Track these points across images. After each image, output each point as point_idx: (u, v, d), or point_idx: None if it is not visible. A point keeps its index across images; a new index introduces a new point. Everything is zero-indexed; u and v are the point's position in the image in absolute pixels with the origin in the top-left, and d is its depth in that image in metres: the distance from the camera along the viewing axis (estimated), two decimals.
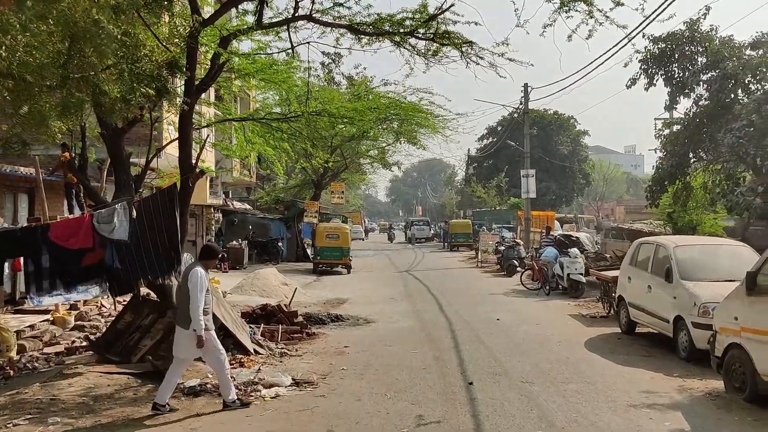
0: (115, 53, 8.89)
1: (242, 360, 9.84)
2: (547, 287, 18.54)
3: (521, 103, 32.01)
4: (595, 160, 60.41)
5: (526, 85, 31.52)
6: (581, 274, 17.76)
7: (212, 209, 25.71)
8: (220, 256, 24.87)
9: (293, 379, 8.78)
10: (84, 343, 10.66)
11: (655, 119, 46.40)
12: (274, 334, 11.47)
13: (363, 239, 60.78)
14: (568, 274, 17.76)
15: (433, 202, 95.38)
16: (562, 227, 33.48)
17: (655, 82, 24.05)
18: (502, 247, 26.16)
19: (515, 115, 50.90)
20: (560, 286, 18.48)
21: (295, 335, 11.75)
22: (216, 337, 7.98)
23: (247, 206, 35.98)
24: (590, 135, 55.05)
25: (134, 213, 9.84)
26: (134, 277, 9.91)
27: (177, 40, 9.22)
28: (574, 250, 18.40)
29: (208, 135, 11.66)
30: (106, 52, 7.88)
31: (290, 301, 14.45)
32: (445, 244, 45.84)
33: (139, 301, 10.38)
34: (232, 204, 32.84)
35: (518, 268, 24.17)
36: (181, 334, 7.69)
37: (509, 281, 22.19)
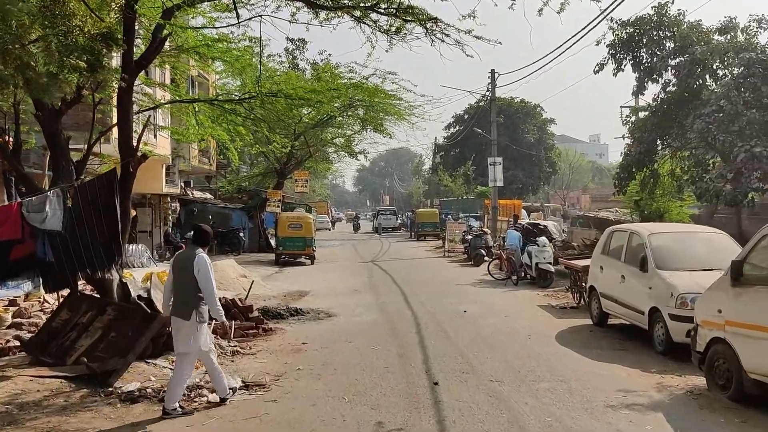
0: (42, 24, 8.02)
1: None
2: (515, 277, 18.07)
3: (488, 90, 31.51)
4: (561, 148, 60.47)
5: (493, 71, 31.03)
6: (549, 263, 17.31)
7: (169, 198, 24.66)
8: (175, 246, 23.96)
9: (243, 382, 8.04)
10: (17, 343, 9.76)
11: (621, 107, 46.36)
12: (227, 330, 10.70)
13: (329, 229, 59.99)
14: (536, 263, 17.30)
15: (400, 192, 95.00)
16: (529, 216, 33.19)
17: (623, 67, 23.73)
18: (469, 236, 25.68)
19: (481, 103, 50.59)
20: (528, 276, 18.03)
21: (250, 332, 10.99)
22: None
23: (209, 196, 34.91)
24: (556, 123, 55.06)
25: (69, 201, 9.01)
26: (71, 270, 9.08)
27: (113, 9, 8.36)
28: (543, 239, 17.96)
29: (149, 116, 10.78)
30: (24, 21, 7.02)
31: (247, 295, 13.69)
32: (412, 233, 45.33)
33: (76, 297, 9.53)
34: (192, 193, 31.77)
35: (485, 258, 23.73)
36: (181, 326, 6.99)
37: (476, 271, 21.70)
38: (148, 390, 7.69)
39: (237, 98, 12.10)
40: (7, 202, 13.27)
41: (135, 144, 9.67)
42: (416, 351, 9.79)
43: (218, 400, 7.23)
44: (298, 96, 11.66)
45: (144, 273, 14.80)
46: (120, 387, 7.81)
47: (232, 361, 9.36)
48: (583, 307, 13.68)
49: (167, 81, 17.79)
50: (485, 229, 26.28)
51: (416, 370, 8.66)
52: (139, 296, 9.48)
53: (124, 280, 9.72)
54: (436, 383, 7.92)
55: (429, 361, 9.14)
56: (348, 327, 11.92)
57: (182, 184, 30.15)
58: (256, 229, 29.86)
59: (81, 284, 10.32)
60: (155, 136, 20.34)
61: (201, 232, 7.49)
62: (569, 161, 60.51)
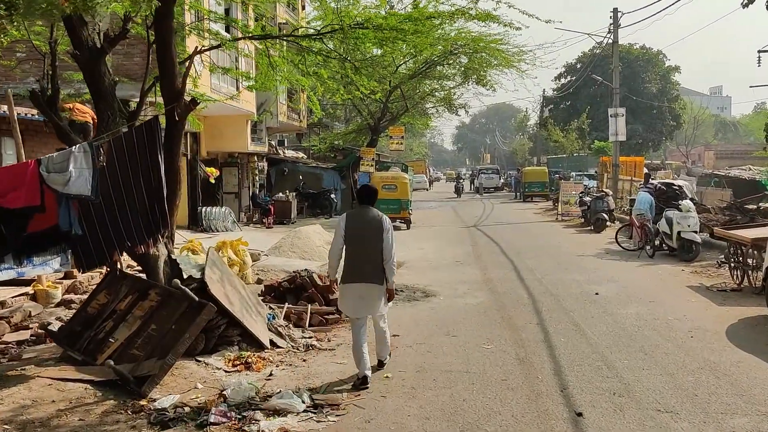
0: None
1: (250, 359, 7.15)
2: (649, 247, 15.10)
3: (609, 31, 27.69)
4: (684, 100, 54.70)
5: (615, 10, 27.19)
6: (695, 231, 14.25)
7: (256, 158, 23.12)
8: (262, 209, 22.48)
9: (311, 399, 6.00)
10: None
11: (759, 51, 40.93)
12: (302, 317, 8.74)
13: (427, 189, 57.72)
14: (679, 232, 14.28)
15: (502, 149, 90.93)
16: (650, 175, 29.34)
17: None
18: (588, 198, 22.61)
19: (597, 50, 46.12)
20: (666, 246, 15.04)
21: (330, 317, 8.99)
22: None
23: (301, 155, 33.42)
24: (681, 72, 49.44)
25: (102, 159, 7.18)
26: (107, 244, 7.29)
27: None
28: (686, 202, 14.84)
29: (198, 49, 8.75)
30: None
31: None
32: (518, 194, 42.22)
33: (115, 277, 7.79)
34: (283, 152, 30.33)
35: (608, 223, 20.74)
36: (371, 291, 6.58)
37: (599, 238, 18.79)
38: (186, 409, 5.79)
39: (316, 33, 9.88)
40: None
41: (180, 86, 7.67)
42: (542, 353, 7.41)
43: (376, 363, 6.91)
44: (390, 26, 9.28)
45: (219, 240, 13.16)
46: (155, 399, 5.99)
47: (304, 360, 7.37)
48: (747, 289, 10.78)
49: (250, 24, 15.92)
50: (606, 190, 23.07)
51: (546, 386, 6.30)
52: (190, 277, 7.62)
53: (173, 256, 7.87)
54: (579, 414, 5.54)
55: (562, 371, 6.74)
56: (449, 312, 9.67)
57: (273, 143, 28.72)
58: (349, 190, 27.99)
59: (125, 260, 8.63)
60: (237, 88, 18.62)
61: (371, 192, 6.91)
62: (693, 114, 54.63)
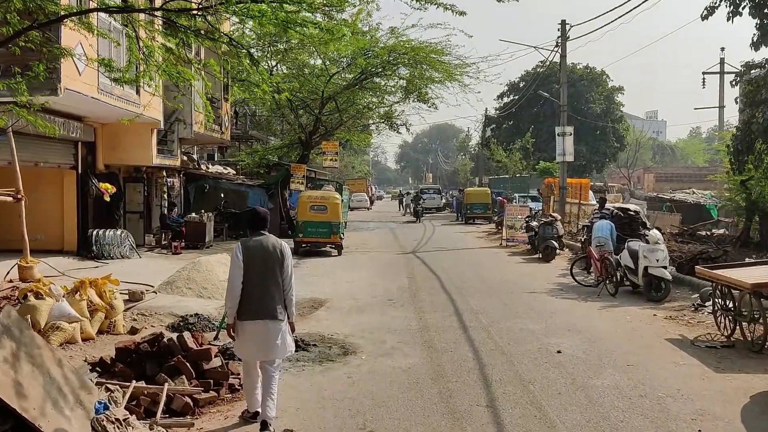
0: None
1: None
2: (611, 284, 13.05)
3: (557, 45, 26.05)
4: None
5: (563, 22, 25.60)
6: (664, 267, 12.27)
7: (165, 172, 20.23)
8: (174, 231, 19.60)
9: None
10: None
11: (704, 73, 40.50)
12: (158, 399, 6.12)
13: (368, 208, 55.50)
14: (646, 267, 12.27)
15: (444, 169, 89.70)
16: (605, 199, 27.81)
17: (740, 9, 18.47)
18: (535, 223, 20.65)
19: (540, 69, 45.06)
20: (627, 282, 13.05)
21: (202, 396, 6.40)
22: None
23: (230, 171, 30.56)
24: (624, 92, 48.72)
25: None
26: None
27: None
28: (654, 232, 12.86)
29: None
30: None
31: (222, 319, 9.18)
32: (459, 215, 40.29)
33: None
34: (206, 167, 27.45)
35: (558, 251, 18.80)
36: (272, 328, 5.77)
37: (549, 269, 16.75)
38: None
39: (197, 6, 7.35)
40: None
41: None
42: None
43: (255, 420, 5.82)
44: None
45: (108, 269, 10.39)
46: None
47: None
48: (740, 344, 8.76)
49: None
50: (554, 214, 21.15)
51: None
52: None
53: None
54: None
55: None
56: (371, 384, 7.20)
57: (195, 157, 25.85)
58: (278, 210, 25.33)
59: None
60: (138, 92, 15.85)
61: (263, 217, 6.10)
62: (635, 136, 54.17)
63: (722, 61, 39.48)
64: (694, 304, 11.28)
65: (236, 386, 6.90)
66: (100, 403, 5.62)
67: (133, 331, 9.61)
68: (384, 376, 7.46)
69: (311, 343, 8.84)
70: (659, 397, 6.69)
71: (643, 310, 11.34)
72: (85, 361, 7.66)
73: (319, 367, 7.90)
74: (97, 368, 7.03)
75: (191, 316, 10.11)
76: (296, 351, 8.43)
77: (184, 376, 6.62)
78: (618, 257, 13.34)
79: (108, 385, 6.04)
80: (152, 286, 12.25)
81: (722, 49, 39.35)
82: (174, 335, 7.17)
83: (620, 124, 47.06)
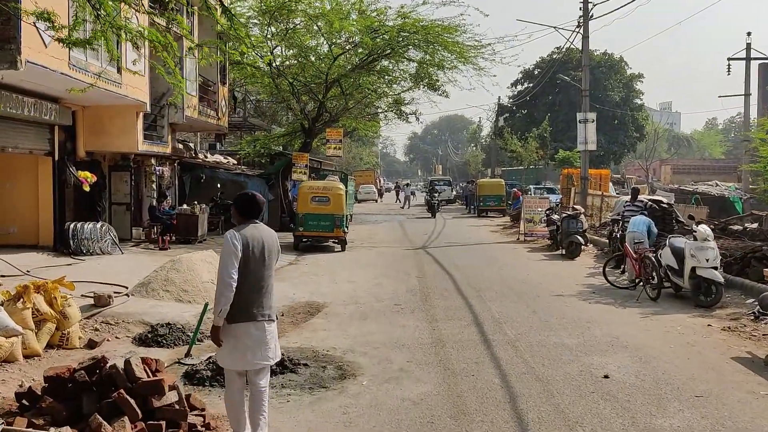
0: None
1: None
2: (652, 287, 11.38)
3: (579, 25, 24.25)
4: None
5: (585, 1, 23.79)
6: (715, 267, 10.61)
7: (153, 160, 18.66)
8: (164, 224, 18.05)
9: None
10: None
11: (729, 59, 38.58)
12: None
13: (376, 201, 54.02)
14: (694, 268, 10.61)
15: (454, 161, 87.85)
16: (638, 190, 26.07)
17: None
18: (556, 216, 18.98)
19: (555, 56, 43.25)
20: (668, 284, 11.39)
21: None
22: None
23: (230, 160, 29.04)
24: (643, 80, 46.65)
25: None
26: None
27: None
28: (704, 228, 11.14)
29: None
30: None
31: (197, 327, 7.66)
32: (471, 208, 38.61)
33: None
34: (204, 155, 25.98)
35: (583, 247, 17.16)
36: (267, 330, 4.94)
37: (575, 268, 15.12)
38: None
39: None
40: None
41: None
42: None
43: None
44: None
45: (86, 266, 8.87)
46: None
47: None
48: None
49: None
50: (578, 207, 19.44)
51: None
52: None
53: None
54: None
55: None
56: (372, 423, 5.61)
57: (191, 145, 24.35)
58: (278, 201, 23.78)
59: None
60: (119, 71, 14.28)
61: (258, 203, 5.01)
62: (654, 126, 52.17)
63: (749, 47, 37.62)
64: (754, 312, 9.61)
65: (198, 427, 5.34)
66: None
67: (91, 344, 8.07)
68: (389, 412, 5.86)
69: (301, 363, 7.25)
70: None
71: (693, 319, 9.69)
72: (20, 386, 6.15)
73: (309, 396, 6.31)
74: (24, 400, 5.52)
75: (162, 326, 8.57)
76: (283, 373, 6.94)
77: (126, 417, 5.06)
78: (658, 255, 11.69)
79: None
80: (126, 288, 10.71)
81: (748, 33, 37.26)
82: (123, 359, 5.58)
83: (640, 113, 45.10)
